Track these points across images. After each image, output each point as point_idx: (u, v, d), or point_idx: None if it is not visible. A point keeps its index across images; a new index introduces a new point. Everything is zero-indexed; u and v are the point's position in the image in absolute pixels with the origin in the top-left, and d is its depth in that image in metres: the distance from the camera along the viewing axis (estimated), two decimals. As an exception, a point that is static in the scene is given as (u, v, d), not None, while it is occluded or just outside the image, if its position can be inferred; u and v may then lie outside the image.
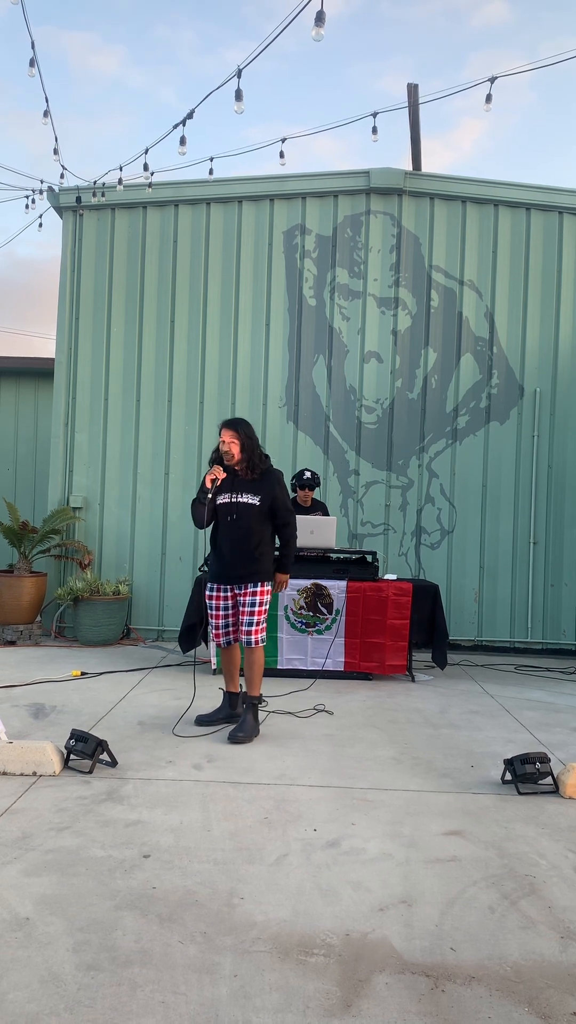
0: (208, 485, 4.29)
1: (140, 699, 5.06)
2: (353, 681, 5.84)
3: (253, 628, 4.31)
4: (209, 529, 4.48)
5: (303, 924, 2.32)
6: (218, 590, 4.42)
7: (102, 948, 2.15)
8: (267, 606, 4.39)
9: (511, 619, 7.50)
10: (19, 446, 9.77)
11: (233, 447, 4.28)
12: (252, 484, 4.32)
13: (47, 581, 7.41)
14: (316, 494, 6.72)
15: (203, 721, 4.44)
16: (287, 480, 6.76)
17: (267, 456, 4.44)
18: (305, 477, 6.41)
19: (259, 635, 4.33)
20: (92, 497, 7.67)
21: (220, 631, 4.46)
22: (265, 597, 4.35)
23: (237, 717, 4.48)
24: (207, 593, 4.48)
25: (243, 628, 4.33)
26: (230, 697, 4.55)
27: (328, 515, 6.51)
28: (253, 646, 4.33)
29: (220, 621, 4.44)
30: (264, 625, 4.36)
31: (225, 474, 4.34)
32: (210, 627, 4.51)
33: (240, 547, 4.31)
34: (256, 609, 4.32)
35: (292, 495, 6.57)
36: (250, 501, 4.29)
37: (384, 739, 4.33)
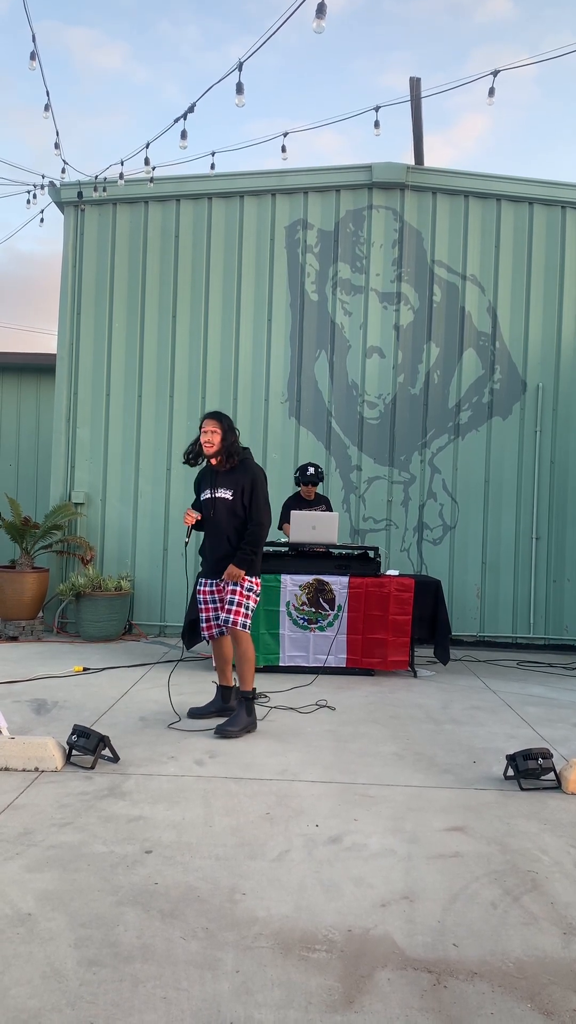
0: (187, 523, 4.42)
1: (142, 695, 5.06)
2: (355, 677, 5.83)
3: (232, 608, 4.27)
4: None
5: (305, 920, 2.32)
6: (205, 583, 4.50)
7: (104, 944, 2.15)
8: (251, 593, 4.32)
9: (513, 615, 7.49)
10: (21, 441, 9.76)
11: (215, 436, 4.32)
12: (228, 478, 4.37)
13: (49, 577, 7.41)
14: (319, 489, 6.71)
15: (195, 714, 4.51)
16: (290, 476, 6.79)
17: (247, 449, 4.48)
18: (309, 472, 6.40)
19: (239, 617, 4.26)
20: (94, 493, 7.67)
21: (212, 623, 4.51)
22: (247, 591, 4.32)
23: (229, 710, 4.49)
24: (197, 587, 4.57)
25: (223, 615, 4.34)
26: (222, 690, 4.60)
27: (331, 510, 6.50)
28: (231, 627, 4.27)
29: (210, 614, 4.50)
30: (245, 610, 4.28)
31: (199, 517, 4.42)
32: (200, 620, 4.55)
33: (217, 542, 4.39)
34: (237, 599, 4.29)
35: (296, 489, 6.56)
36: (224, 495, 4.35)
37: (386, 735, 4.32)
